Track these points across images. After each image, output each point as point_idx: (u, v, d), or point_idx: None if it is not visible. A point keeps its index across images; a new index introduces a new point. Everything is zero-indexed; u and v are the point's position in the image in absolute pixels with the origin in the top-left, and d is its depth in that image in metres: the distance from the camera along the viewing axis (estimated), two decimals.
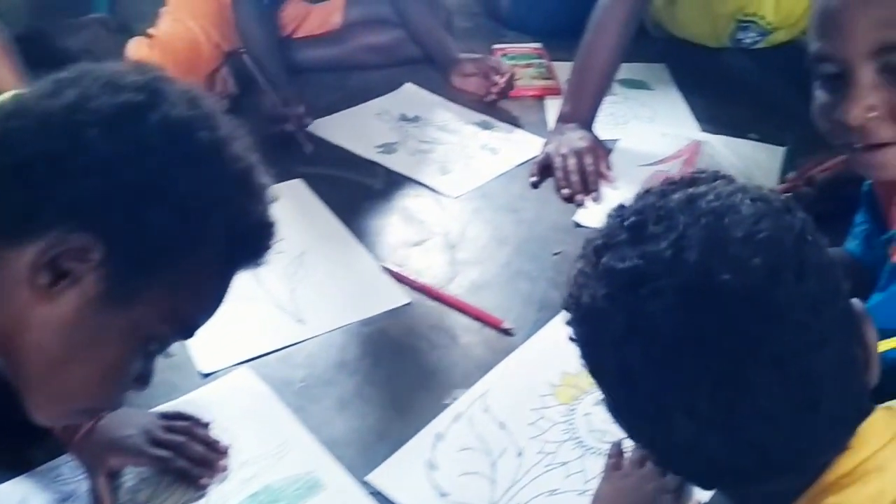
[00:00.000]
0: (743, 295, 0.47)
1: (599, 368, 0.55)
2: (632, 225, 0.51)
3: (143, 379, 0.66)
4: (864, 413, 0.52)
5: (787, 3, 1.39)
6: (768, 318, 0.47)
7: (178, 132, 0.60)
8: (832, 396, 0.49)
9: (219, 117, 0.65)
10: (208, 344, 0.84)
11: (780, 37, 1.47)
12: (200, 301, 0.66)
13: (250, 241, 0.66)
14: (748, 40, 1.49)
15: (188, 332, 0.66)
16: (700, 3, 1.47)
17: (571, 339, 0.58)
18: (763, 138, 1.39)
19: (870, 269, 0.89)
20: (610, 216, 0.55)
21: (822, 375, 0.48)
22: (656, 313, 0.48)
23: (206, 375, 0.96)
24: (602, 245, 0.53)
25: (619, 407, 0.54)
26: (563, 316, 0.58)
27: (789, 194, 1.19)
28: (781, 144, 1.35)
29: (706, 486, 0.59)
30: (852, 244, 1.03)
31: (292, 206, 1.24)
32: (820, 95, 0.79)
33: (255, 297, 1.05)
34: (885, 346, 0.71)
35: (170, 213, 0.59)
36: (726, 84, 1.54)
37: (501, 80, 1.47)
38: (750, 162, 1.34)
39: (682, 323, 0.47)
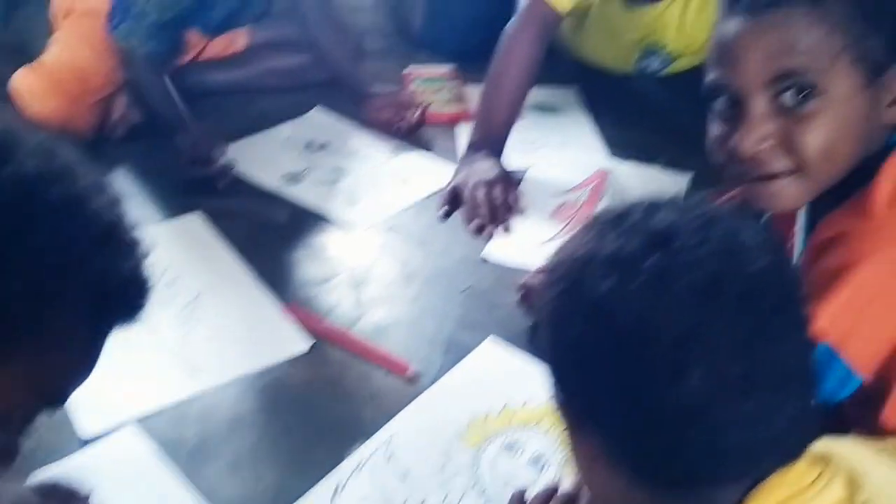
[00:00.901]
0: (769, 261, 0.51)
1: (605, 315, 0.51)
2: (651, 204, 0.54)
3: (8, 455, 0.61)
4: (813, 433, 0.53)
5: (688, 32, 1.41)
6: (790, 283, 0.52)
7: (29, 189, 0.55)
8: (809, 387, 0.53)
9: (78, 170, 0.60)
10: (91, 401, 0.78)
11: (682, 64, 1.49)
12: (66, 369, 0.60)
13: (118, 301, 0.61)
14: (652, 68, 1.51)
15: (57, 403, 0.61)
16: (605, 31, 1.48)
17: (557, 297, 0.55)
18: (669, 163, 1.40)
19: None
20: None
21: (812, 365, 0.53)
22: (692, 262, 0.49)
23: (89, 440, 0.90)
24: (623, 212, 0.54)
25: (612, 365, 0.51)
26: (548, 283, 0.55)
27: None
28: (687, 170, 1.37)
29: (641, 478, 0.54)
30: None
31: (188, 244, 1.19)
32: (715, 126, 0.79)
33: (144, 345, 0.99)
34: None
35: (20, 278, 0.54)
36: (634, 109, 1.55)
37: (414, 117, 1.44)
38: (656, 189, 1.35)
39: (716, 277, 0.49)
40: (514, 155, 1.38)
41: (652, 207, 0.53)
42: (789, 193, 0.77)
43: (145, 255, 0.63)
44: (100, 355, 0.61)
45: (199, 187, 1.28)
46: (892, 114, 0.74)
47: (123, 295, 0.60)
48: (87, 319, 0.58)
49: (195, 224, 1.22)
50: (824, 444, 0.57)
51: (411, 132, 1.46)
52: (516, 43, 1.32)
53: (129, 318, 0.61)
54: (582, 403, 0.54)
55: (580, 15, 1.47)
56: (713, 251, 0.50)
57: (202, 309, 1.07)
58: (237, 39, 1.55)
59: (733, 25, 0.74)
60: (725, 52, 0.75)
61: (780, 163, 0.75)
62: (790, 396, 0.51)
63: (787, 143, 0.74)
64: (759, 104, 0.73)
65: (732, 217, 0.54)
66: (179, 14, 1.38)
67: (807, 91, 0.71)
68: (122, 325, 0.61)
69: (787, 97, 0.72)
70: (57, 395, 0.61)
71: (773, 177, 0.76)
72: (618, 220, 0.53)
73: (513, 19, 1.34)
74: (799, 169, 0.75)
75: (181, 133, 1.29)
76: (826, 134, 0.73)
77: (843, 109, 0.72)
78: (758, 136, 0.74)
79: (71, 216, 0.56)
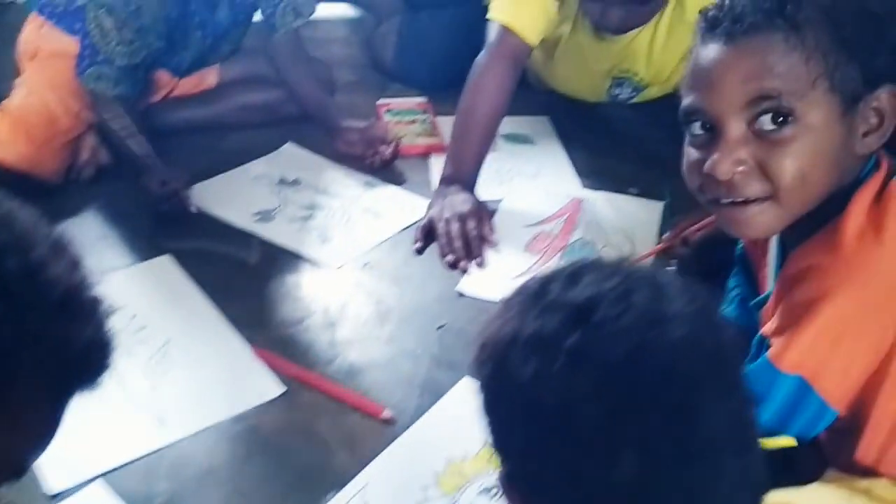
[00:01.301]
0: (692, 327, 0.50)
1: (532, 401, 0.51)
2: (569, 274, 0.53)
3: None
4: (762, 489, 0.53)
5: (658, 60, 1.42)
6: (717, 345, 0.51)
7: None
8: (750, 446, 0.52)
9: (35, 235, 0.58)
10: (56, 456, 0.75)
11: (653, 92, 1.50)
12: (27, 438, 0.59)
13: (79, 367, 0.60)
14: (623, 96, 1.51)
15: (17, 473, 0.59)
16: (575, 61, 1.48)
17: (487, 379, 0.55)
18: (643, 192, 1.41)
19: (748, 335, 0.90)
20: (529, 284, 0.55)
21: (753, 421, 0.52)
22: (611, 339, 0.49)
23: (55, 496, 0.87)
24: (542, 287, 0.53)
25: (546, 449, 0.50)
26: (478, 364, 0.55)
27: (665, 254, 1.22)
28: (661, 199, 1.37)
29: None
30: (728, 309, 1.04)
31: (158, 288, 1.17)
32: (690, 151, 0.78)
33: (110, 397, 0.97)
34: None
35: None
36: (607, 137, 1.56)
37: (387, 152, 1.43)
38: (631, 218, 1.35)
39: (637, 350, 0.48)
40: (488, 186, 1.38)
41: (571, 278, 0.53)
42: (763, 220, 0.77)
43: (107, 317, 0.62)
44: (59, 425, 0.60)
45: (168, 226, 1.27)
46: (867, 144, 0.75)
47: (84, 361, 0.59)
48: (47, 389, 0.57)
49: (165, 267, 1.20)
50: (784, 496, 0.56)
51: (384, 166, 1.45)
52: (485, 76, 1.32)
53: (91, 383, 0.60)
54: (524, 483, 0.53)
55: (550, 45, 1.48)
56: (634, 323, 0.49)
57: (171, 356, 1.05)
58: (207, 76, 1.54)
59: (711, 50, 0.74)
60: (703, 77, 0.75)
61: (754, 188, 0.75)
62: (730, 459, 0.50)
63: (763, 168, 0.74)
64: (736, 128, 0.73)
65: (654, 281, 0.53)
66: (149, 57, 1.36)
67: (783, 116, 0.72)
68: (85, 391, 0.60)
69: (764, 121, 0.72)
70: (18, 465, 0.59)
71: (747, 202, 0.76)
72: (538, 295, 0.53)
73: (482, 52, 1.34)
74: (773, 195, 0.75)
75: (148, 175, 1.27)
76: (801, 160, 0.73)
77: (818, 137, 0.73)
78: (734, 160, 0.74)
79: (28, 286, 0.55)
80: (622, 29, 1.31)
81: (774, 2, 0.72)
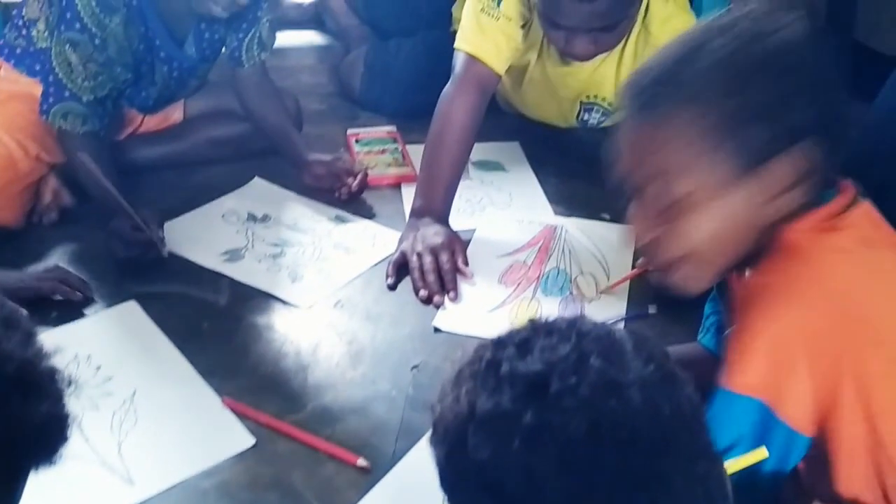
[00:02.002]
0: (648, 393, 0.49)
1: (493, 481, 0.49)
2: (521, 340, 0.52)
3: None
4: None
5: None
6: (677, 414, 0.49)
7: None
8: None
9: None
10: None
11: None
12: None
13: (35, 445, 0.58)
14: (593, 121, 1.51)
15: None
16: (543, 87, 1.48)
17: (445, 458, 0.53)
18: (616, 218, 1.40)
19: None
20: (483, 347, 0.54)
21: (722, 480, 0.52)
22: (569, 412, 0.48)
23: None
24: (494, 358, 0.52)
25: None
26: (433, 443, 0.54)
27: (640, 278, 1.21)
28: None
29: None
30: (705, 337, 1.04)
31: (124, 335, 1.13)
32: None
33: (74, 454, 0.93)
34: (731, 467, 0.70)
35: None
36: (578, 161, 1.55)
37: (354, 185, 1.41)
38: (604, 244, 1.35)
39: (596, 423, 0.47)
40: (460, 216, 1.37)
41: (523, 346, 0.52)
42: (691, 277, 0.79)
43: (64, 391, 0.60)
44: (20, 498, 0.58)
45: (135, 270, 1.24)
46: (783, 203, 0.74)
47: (41, 438, 0.57)
48: (2, 469, 0.55)
49: (131, 312, 1.17)
50: None
51: (353, 198, 1.43)
52: (453, 105, 1.31)
53: (47, 460, 0.58)
54: None
55: (518, 72, 1.47)
56: (591, 394, 0.48)
57: (138, 409, 1.02)
58: (173, 112, 1.52)
59: (621, 124, 0.77)
60: (616, 149, 0.77)
61: (669, 254, 0.77)
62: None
63: (670, 237, 0.76)
64: (638, 202, 0.76)
65: (608, 343, 0.52)
66: (115, 90, 1.34)
67: (681, 192, 0.73)
68: (41, 468, 0.58)
69: (662, 195, 0.74)
70: None
71: (670, 265, 0.78)
72: (490, 367, 0.52)
73: (449, 82, 1.33)
74: (690, 257, 0.76)
75: (119, 218, 1.24)
76: (706, 227, 0.75)
77: (721, 203, 0.74)
78: (641, 232, 0.77)
79: None
80: (587, 56, 1.31)
81: (638, 98, 0.75)
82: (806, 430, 0.74)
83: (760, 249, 0.76)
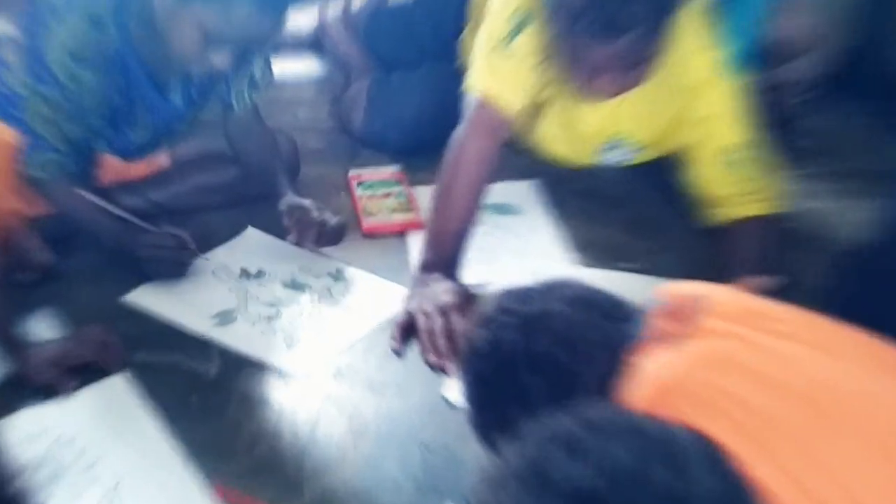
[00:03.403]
0: None
1: None
2: (569, 444, 0.48)
3: None
4: None
5: (647, 121, 1.31)
6: None
7: None
8: None
9: None
10: None
11: (647, 154, 1.39)
12: None
13: None
14: (615, 159, 1.40)
15: None
16: (562, 125, 1.36)
17: None
18: (641, 267, 1.28)
19: None
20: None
21: None
22: None
23: None
24: (540, 464, 0.48)
25: None
26: None
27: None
28: (661, 273, 1.25)
29: None
30: None
31: (109, 416, 1.03)
32: None
33: None
34: None
35: None
36: (597, 202, 1.45)
37: (313, 235, 1.28)
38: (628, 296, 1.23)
39: None
40: (472, 267, 1.26)
41: (571, 449, 0.47)
42: None
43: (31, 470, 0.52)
44: None
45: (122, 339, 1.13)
46: None
47: None
48: None
49: (116, 390, 1.06)
50: None
51: (329, 244, 1.31)
52: (464, 151, 1.21)
53: None
54: None
55: (534, 108, 1.36)
56: None
57: (123, 499, 0.91)
58: (158, 158, 1.41)
59: None
60: None
61: None
62: None
63: None
64: None
65: (671, 446, 0.48)
66: (92, 138, 1.25)
67: None
68: None
69: None
70: None
71: None
72: (538, 476, 0.47)
73: (461, 124, 1.23)
74: None
75: (133, 240, 1.20)
76: None
77: None
78: None
79: None
80: (611, 95, 1.21)
81: None
82: None
83: None
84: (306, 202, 1.31)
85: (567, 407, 0.53)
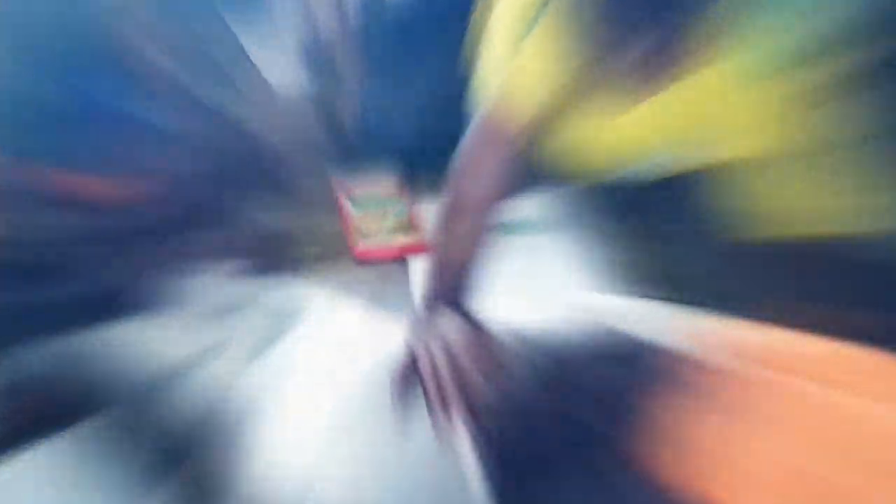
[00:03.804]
0: None
1: None
2: None
3: None
4: None
5: (673, 132, 1.16)
6: None
7: None
8: None
9: None
10: None
11: (675, 168, 1.23)
12: None
13: None
14: (641, 173, 1.24)
15: None
16: (582, 134, 1.21)
17: None
18: (674, 296, 1.13)
19: None
20: None
21: None
22: None
23: None
24: None
25: None
26: None
27: None
28: (689, 303, 1.09)
29: None
30: None
31: None
32: None
33: None
34: None
35: None
36: (622, 219, 1.29)
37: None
38: (655, 332, 1.08)
39: None
40: (484, 299, 1.09)
41: None
42: None
43: None
44: None
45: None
46: None
47: None
48: None
49: None
50: None
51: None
52: (475, 161, 1.05)
53: None
54: None
55: (551, 115, 1.20)
56: None
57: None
58: None
59: None
60: None
61: None
62: None
63: None
64: None
65: None
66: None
67: None
68: None
69: None
70: None
71: None
72: None
73: (469, 135, 1.06)
74: None
75: None
76: None
77: None
78: None
79: None
80: (646, 94, 1.05)
81: None
82: None
83: None
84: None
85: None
